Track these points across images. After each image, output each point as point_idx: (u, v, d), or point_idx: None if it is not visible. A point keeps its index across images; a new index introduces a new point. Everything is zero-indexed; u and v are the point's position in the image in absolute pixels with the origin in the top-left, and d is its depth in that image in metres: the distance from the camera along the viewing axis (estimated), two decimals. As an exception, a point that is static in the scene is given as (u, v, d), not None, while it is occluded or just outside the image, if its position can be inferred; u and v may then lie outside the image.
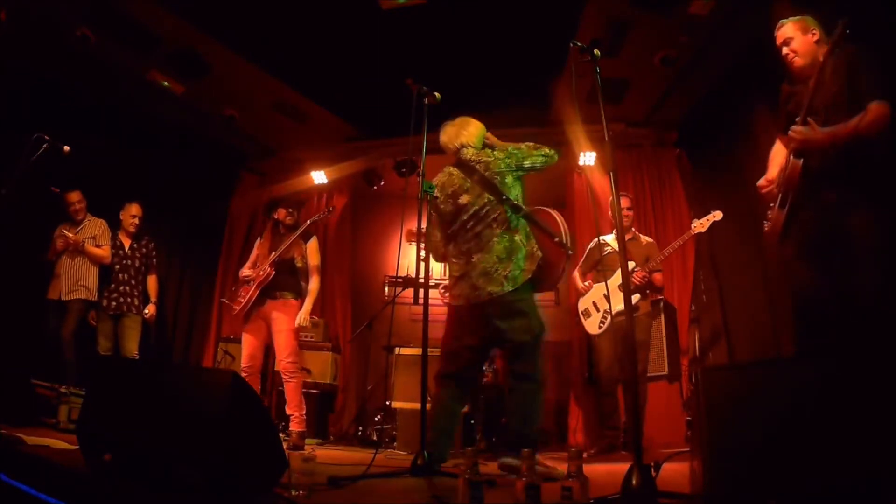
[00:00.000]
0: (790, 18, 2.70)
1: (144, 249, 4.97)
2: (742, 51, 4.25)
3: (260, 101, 5.37)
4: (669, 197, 5.56)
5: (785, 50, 2.68)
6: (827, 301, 2.56)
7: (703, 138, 5.33)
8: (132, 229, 4.89)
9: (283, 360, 3.97)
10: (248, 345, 4.02)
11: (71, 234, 4.64)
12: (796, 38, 2.65)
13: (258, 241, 4.33)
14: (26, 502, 1.57)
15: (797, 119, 2.54)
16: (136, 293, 4.82)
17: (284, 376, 3.99)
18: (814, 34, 2.63)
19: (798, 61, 2.64)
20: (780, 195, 2.71)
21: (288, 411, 4.01)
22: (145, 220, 4.99)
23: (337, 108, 5.57)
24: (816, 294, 2.60)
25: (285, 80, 5.09)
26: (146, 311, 4.84)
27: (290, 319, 4.01)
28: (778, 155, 2.92)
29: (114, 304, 4.72)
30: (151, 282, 4.97)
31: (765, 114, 4.23)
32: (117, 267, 4.79)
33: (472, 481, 1.68)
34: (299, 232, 4.13)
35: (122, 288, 4.76)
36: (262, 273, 4.01)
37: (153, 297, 4.93)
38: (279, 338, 3.99)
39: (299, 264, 4.13)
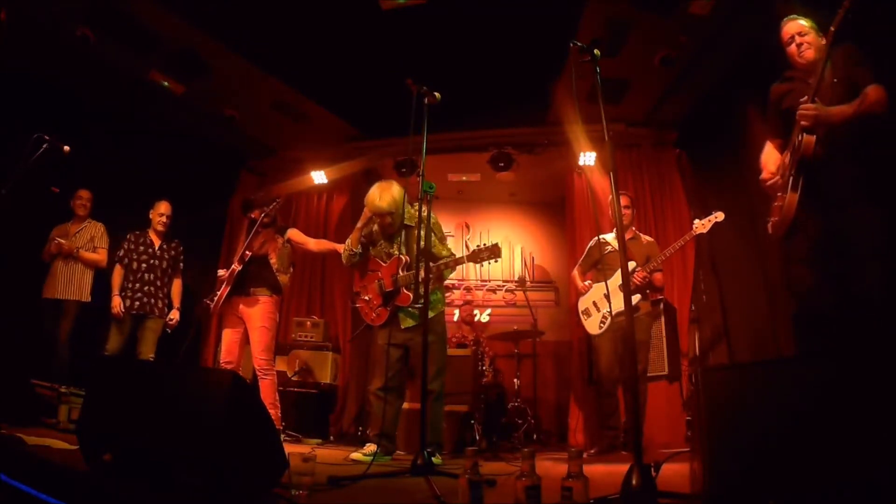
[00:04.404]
0: (801, 17, 2.75)
1: (173, 252, 4.78)
2: (742, 51, 4.26)
3: (260, 101, 5.38)
4: (669, 197, 5.57)
5: (798, 39, 2.73)
6: (830, 303, 2.57)
7: (703, 138, 5.34)
8: (160, 228, 4.71)
9: (258, 356, 3.97)
10: (226, 339, 4.05)
11: (65, 243, 4.61)
12: (810, 34, 2.72)
13: (240, 241, 4.26)
14: (26, 502, 1.57)
15: (803, 99, 2.58)
16: (160, 295, 4.64)
17: (259, 373, 3.97)
18: (822, 38, 2.69)
19: (810, 53, 2.70)
20: (790, 178, 2.70)
21: None
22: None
23: (337, 107, 5.57)
24: (821, 296, 2.60)
25: (285, 80, 5.09)
26: (170, 316, 4.63)
27: (263, 316, 3.99)
28: (770, 157, 2.94)
29: (137, 303, 4.51)
30: (176, 286, 4.78)
31: (764, 115, 4.24)
32: (144, 266, 4.61)
33: (472, 481, 1.67)
34: (257, 226, 4.04)
35: (146, 288, 4.57)
36: (230, 270, 4.02)
37: (176, 303, 4.73)
38: (253, 335, 3.98)
39: (274, 260, 4.11)
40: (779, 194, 2.80)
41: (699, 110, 5.20)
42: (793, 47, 2.75)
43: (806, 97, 2.58)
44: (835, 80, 2.59)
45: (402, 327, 3.53)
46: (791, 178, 2.69)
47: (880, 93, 2.50)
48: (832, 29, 2.48)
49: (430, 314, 3.20)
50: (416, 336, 3.41)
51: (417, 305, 3.40)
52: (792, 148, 2.70)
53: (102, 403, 2.08)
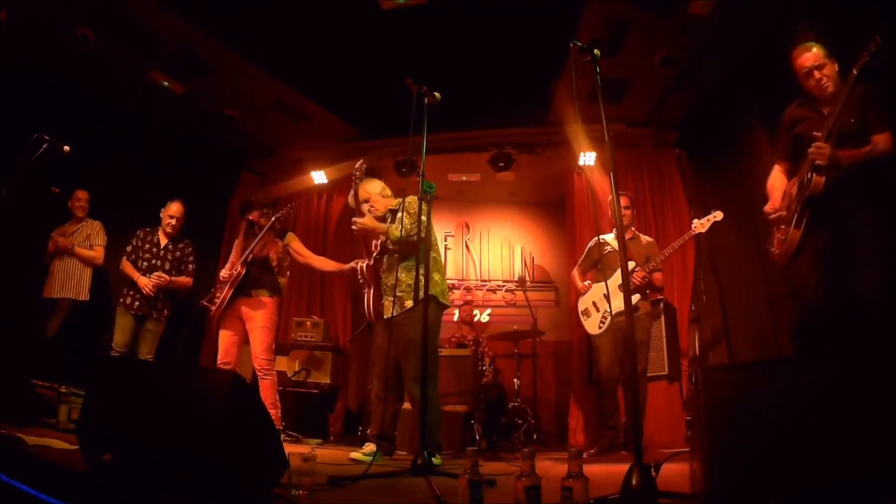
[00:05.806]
0: (815, 45, 2.72)
1: (179, 252, 4.62)
2: (742, 51, 4.26)
3: (260, 101, 5.38)
4: (669, 197, 5.57)
5: (818, 74, 2.70)
6: (833, 308, 2.56)
7: (703, 138, 5.34)
8: (168, 230, 4.58)
9: (259, 356, 3.96)
10: (224, 340, 4.02)
11: (61, 240, 4.62)
12: (827, 65, 2.69)
13: (235, 242, 4.21)
14: (26, 502, 1.57)
15: (817, 134, 2.58)
16: (161, 296, 4.49)
17: (259, 374, 3.95)
18: (835, 64, 2.68)
19: (830, 87, 2.68)
20: (795, 214, 2.69)
21: None
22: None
23: (337, 108, 5.57)
24: (824, 301, 2.59)
25: (285, 80, 5.09)
26: (158, 273, 4.42)
27: (264, 316, 3.98)
28: (777, 181, 2.93)
29: (137, 303, 4.40)
30: (182, 280, 4.61)
31: (764, 115, 4.25)
32: (146, 265, 4.48)
33: (472, 481, 1.67)
34: (265, 231, 4.01)
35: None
36: (233, 272, 4.02)
37: (175, 280, 4.53)
38: (254, 335, 3.97)
39: (275, 263, 4.11)
40: (782, 227, 2.78)
41: (699, 110, 5.20)
42: (811, 81, 2.72)
43: (821, 133, 2.57)
44: (851, 121, 2.58)
45: (385, 317, 3.53)
46: (796, 215, 2.68)
47: (889, 142, 2.52)
48: (854, 72, 2.44)
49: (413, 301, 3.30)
50: (400, 330, 3.41)
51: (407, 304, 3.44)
52: (800, 182, 2.69)
53: (102, 403, 2.08)
